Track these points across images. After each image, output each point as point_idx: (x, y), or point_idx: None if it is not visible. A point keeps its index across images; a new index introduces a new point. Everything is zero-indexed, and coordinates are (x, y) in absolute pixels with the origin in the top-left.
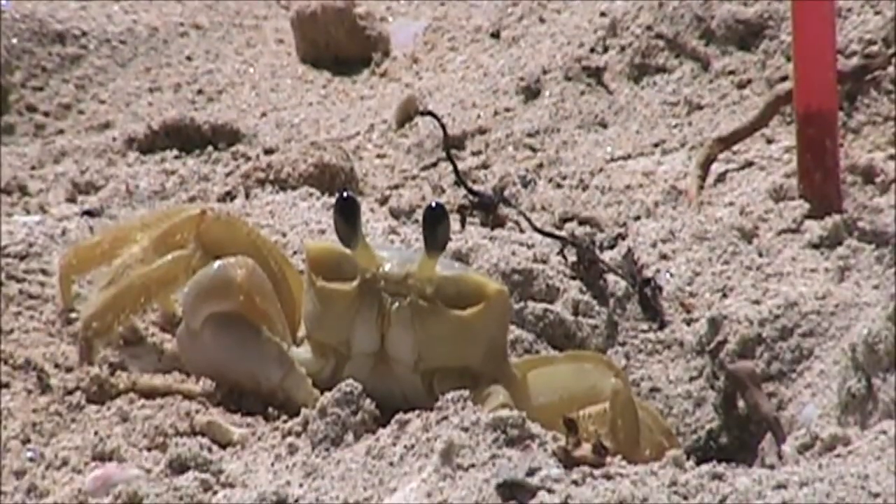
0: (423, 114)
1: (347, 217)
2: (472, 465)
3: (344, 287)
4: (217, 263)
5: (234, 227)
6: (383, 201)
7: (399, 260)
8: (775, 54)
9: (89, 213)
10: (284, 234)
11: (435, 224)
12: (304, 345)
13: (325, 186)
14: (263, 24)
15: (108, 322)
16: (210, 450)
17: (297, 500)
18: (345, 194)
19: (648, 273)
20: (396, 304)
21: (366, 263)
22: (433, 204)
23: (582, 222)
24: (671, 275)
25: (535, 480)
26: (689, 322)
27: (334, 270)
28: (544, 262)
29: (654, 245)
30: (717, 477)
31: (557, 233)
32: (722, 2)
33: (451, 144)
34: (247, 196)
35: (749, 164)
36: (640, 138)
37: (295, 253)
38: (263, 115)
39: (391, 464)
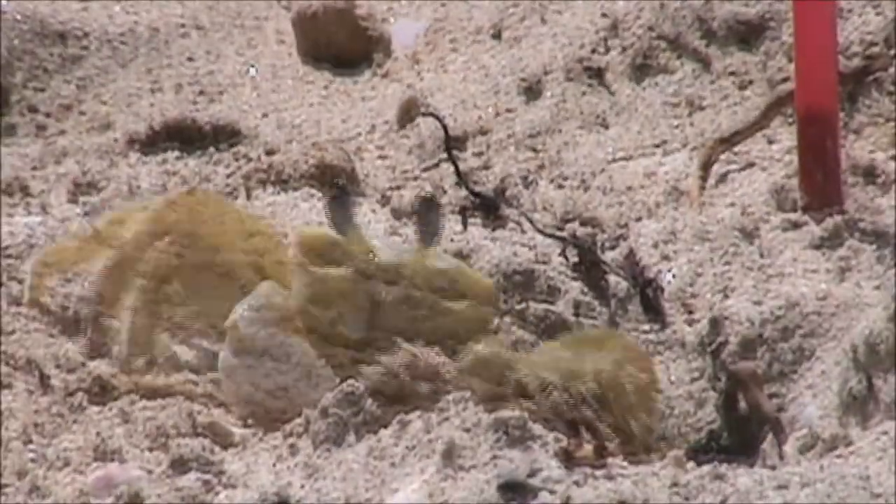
0: (424, 114)
1: (341, 205)
2: (474, 466)
3: (337, 273)
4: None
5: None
6: (385, 202)
7: (393, 250)
8: (777, 55)
9: (91, 214)
10: (286, 235)
11: (428, 216)
12: None
13: (326, 187)
14: (264, 25)
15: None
16: (212, 450)
17: (298, 501)
18: (339, 183)
19: (650, 273)
20: (389, 292)
21: (360, 251)
22: (426, 195)
23: (583, 223)
24: (673, 275)
25: (536, 481)
26: (690, 322)
27: (326, 257)
28: (546, 262)
29: (655, 245)
30: (719, 477)
31: (559, 233)
32: (723, 2)
33: (453, 145)
34: (248, 196)
35: (750, 164)
36: (642, 139)
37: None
38: (265, 115)
39: (393, 464)
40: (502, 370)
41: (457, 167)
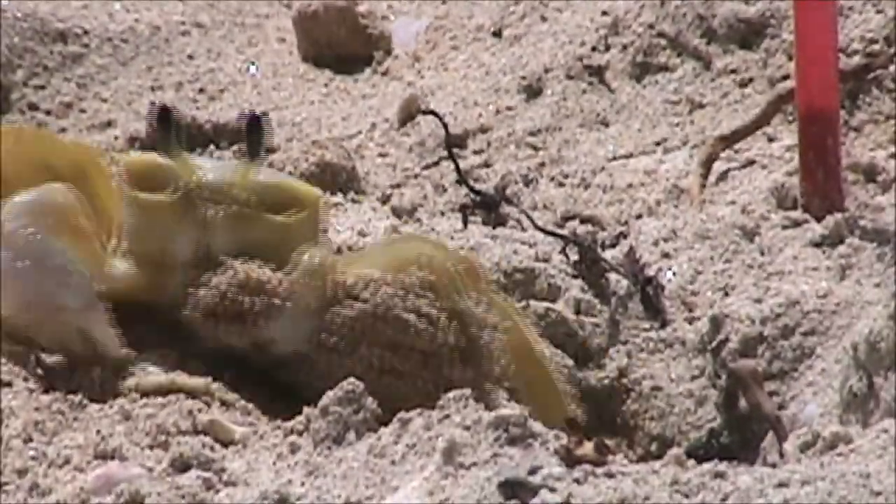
0: (424, 112)
1: (165, 128)
2: (474, 464)
3: (164, 197)
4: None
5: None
6: (385, 200)
7: (219, 169)
8: (777, 53)
9: None
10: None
11: (254, 133)
12: (122, 259)
13: (326, 185)
14: (265, 23)
15: None
16: (212, 448)
17: (298, 499)
18: (164, 107)
19: (650, 272)
20: (217, 211)
21: (185, 173)
22: (252, 113)
23: (584, 221)
24: (673, 273)
25: (536, 479)
26: (690, 321)
27: (153, 181)
28: (546, 260)
29: (655, 244)
30: (719, 475)
31: (559, 231)
32: (724, 1)
33: (453, 143)
34: None
35: (751, 162)
36: (642, 137)
37: None
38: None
39: (393, 462)
40: (329, 276)
41: (457, 165)
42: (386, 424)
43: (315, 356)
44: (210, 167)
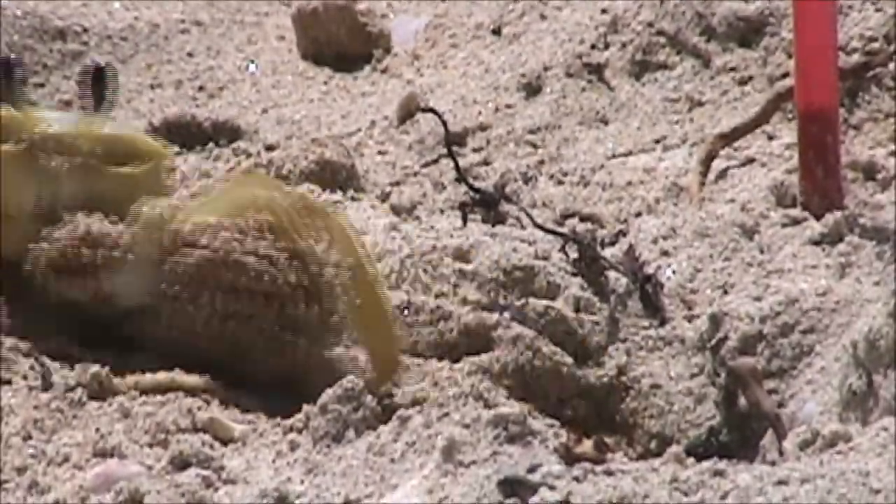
0: (424, 110)
1: (10, 79)
2: (474, 462)
3: (9, 149)
4: None
5: None
6: (384, 198)
7: (66, 121)
8: (776, 51)
9: None
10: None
11: (99, 83)
12: None
13: (326, 183)
14: (264, 21)
15: None
16: (211, 446)
17: (298, 497)
18: (10, 59)
19: (649, 269)
20: (62, 163)
21: (30, 124)
22: (96, 63)
23: (583, 219)
24: (672, 271)
25: (536, 477)
26: (690, 319)
27: None
28: (545, 258)
29: (655, 242)
30: (719, 473)
31: (559, 229)
32: None
33: (453, 141)
34: None
35: (750, 160)
36: (642, 135)
37: None
38: (264, 111)
39: (392, 460)
40: (168, 226)
41: (456, 164)
42: (385, 422)
43: (158, 307)
44: (55, 118)
